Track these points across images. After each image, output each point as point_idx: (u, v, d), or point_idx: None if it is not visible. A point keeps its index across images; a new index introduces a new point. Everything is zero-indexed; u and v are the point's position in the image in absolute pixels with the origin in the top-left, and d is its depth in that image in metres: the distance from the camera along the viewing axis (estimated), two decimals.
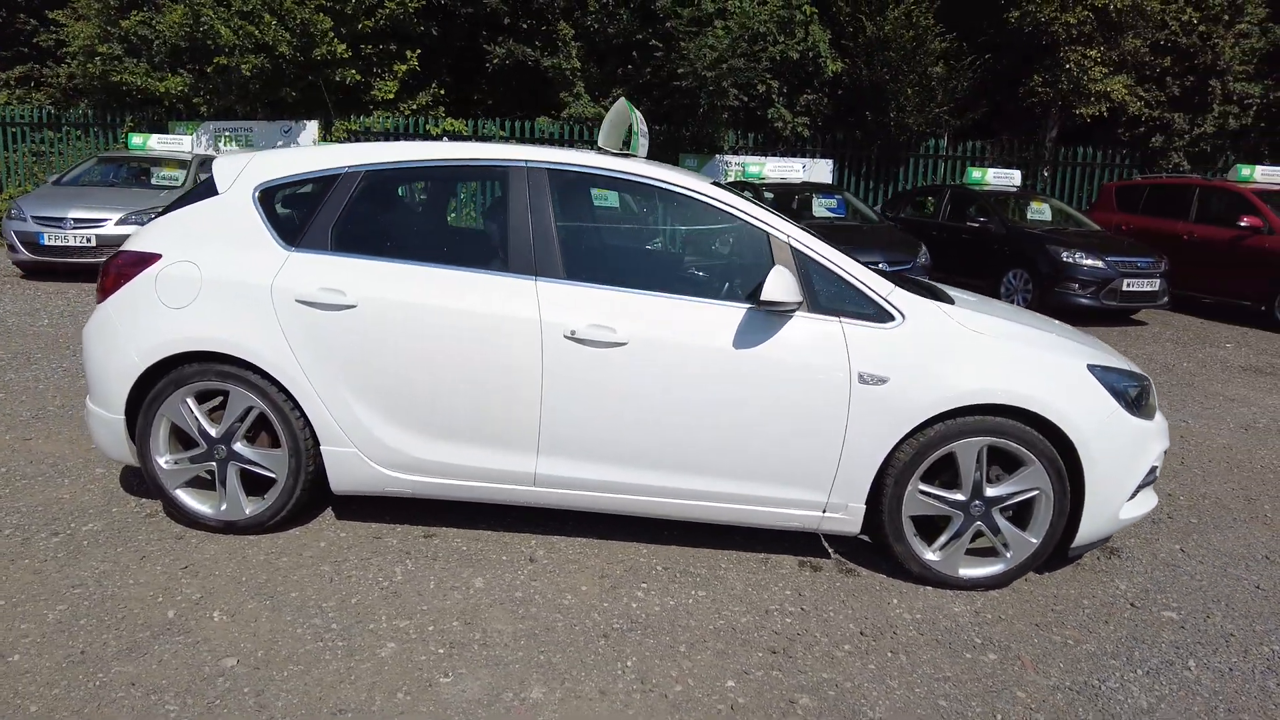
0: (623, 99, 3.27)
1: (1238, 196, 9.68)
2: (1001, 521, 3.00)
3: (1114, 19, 12.16)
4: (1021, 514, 3.04)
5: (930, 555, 3.04)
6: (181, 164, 10.10)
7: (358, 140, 13.17)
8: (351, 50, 12.59)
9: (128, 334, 2.98)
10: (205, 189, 3.14)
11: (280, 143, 13.24)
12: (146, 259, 3.02)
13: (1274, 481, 4.45)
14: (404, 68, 13.39)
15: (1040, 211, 10.23)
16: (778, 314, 2.88)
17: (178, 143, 10.88)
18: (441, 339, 2.91)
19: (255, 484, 3.09)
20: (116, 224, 8.64)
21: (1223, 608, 3.04)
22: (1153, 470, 3.13)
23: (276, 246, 2.99)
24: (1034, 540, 3.01)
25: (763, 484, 2.97)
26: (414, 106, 13.88)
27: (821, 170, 13.27)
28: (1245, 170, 10.13)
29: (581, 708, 2.23)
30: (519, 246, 2.96)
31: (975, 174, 10.98)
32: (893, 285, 3.01)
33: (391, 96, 13.44)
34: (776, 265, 2.83)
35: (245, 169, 3.10)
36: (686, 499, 3.01)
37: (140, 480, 3.54)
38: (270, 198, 3.06)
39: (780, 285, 2.77)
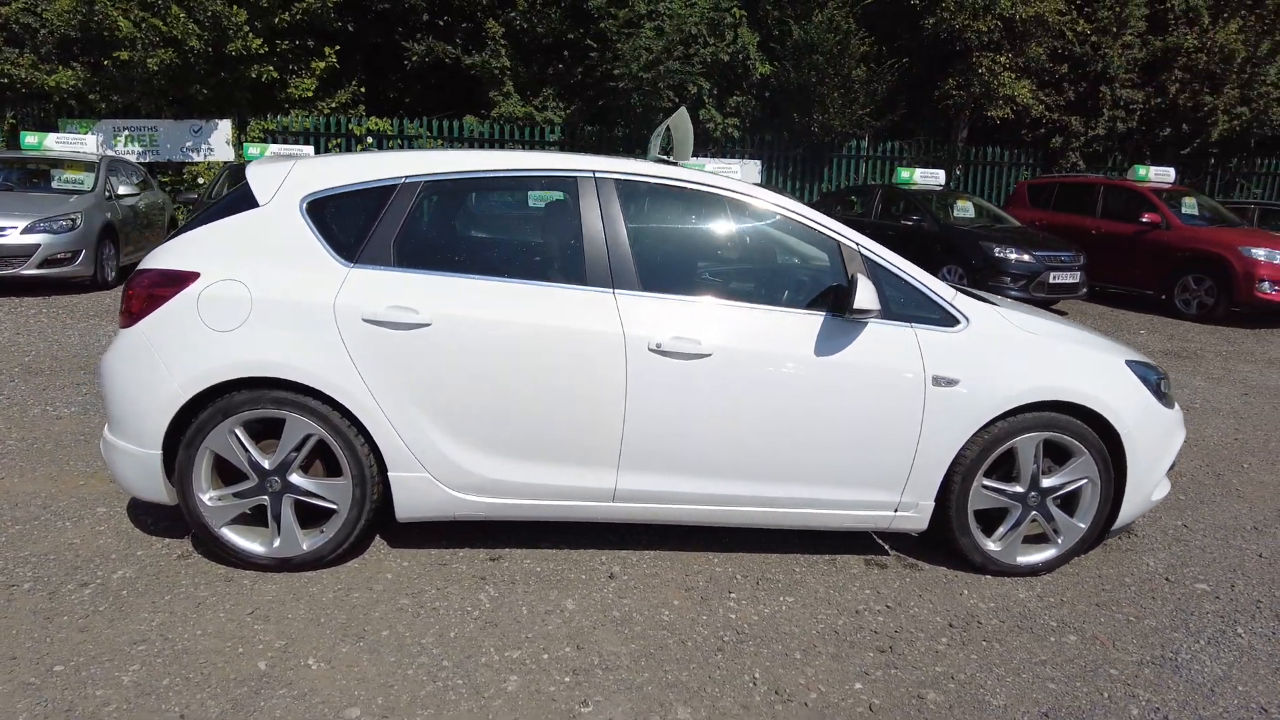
0: (683, 108, 3.24)
1: (1138, 195, 10.54)
2: (1054, 510, 3.17)
3: (1019, 28, 12.97)
4: (1069, 502, 3.22)
5: (992, 546, 3.17)
6: (88, 166, 9.26)
7: (274, 140, 12.48)
8: (267, 46, 11.92)
9: (167, 361, 2.72)
10: (239, 200, 2.90)
11: (189, 144, 12.39)
12: (182, 278, 2.77)
13: (1230, 456, 4.88)
14: (322, 65, 12.79)
15: (965, 209, 10.80)
16: (857, 321, 2.94)
17: (79, 142, 9.98)
18: (520, 355, 2.81)
19: (305, 516, 2.90)
20: (22, 233, 7.86)
21: (1242, 577, 3.32)
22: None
23: (333, 262, 2.80)
24: (1082, 526, 3.19)
25: (841, 488, 3.03)
26: (333, 105, 13.29)
27: (751, 171, 13.54)
28: (1142, 170, 11.04)
29: None
30: (595, 258, 2.89)
31: (904, 174, 11.48)
32: (955, 290, 3.12)
33: (310, 94, 12.81)
34: (860, 275, 2.89)
35: (288, 179, 2.89)
36: (766, 507, 3.03)
37: (156, 518, 3.26)
38: (320, 210, 2.86)
39: (869, 294, 2.82)
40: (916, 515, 3.11)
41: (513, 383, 2.81)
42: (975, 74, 13.35)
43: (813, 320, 2.95)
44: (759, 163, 13.99)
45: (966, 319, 3.05)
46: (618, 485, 2.94)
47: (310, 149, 11.58)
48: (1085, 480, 3.15)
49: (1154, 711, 2.39)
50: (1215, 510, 4.05)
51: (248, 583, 2.82)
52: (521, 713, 2.21)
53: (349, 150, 12.94)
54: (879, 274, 3.02)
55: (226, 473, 2.87)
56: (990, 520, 3.20)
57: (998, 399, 2.99)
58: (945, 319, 3.03)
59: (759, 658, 2.54)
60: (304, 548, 2.89)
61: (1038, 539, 3.26)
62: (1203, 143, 14.66)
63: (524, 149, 13.15)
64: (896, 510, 3.09)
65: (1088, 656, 2.67)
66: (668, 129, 3.21)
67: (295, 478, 2.84)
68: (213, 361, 2.71)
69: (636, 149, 13.57)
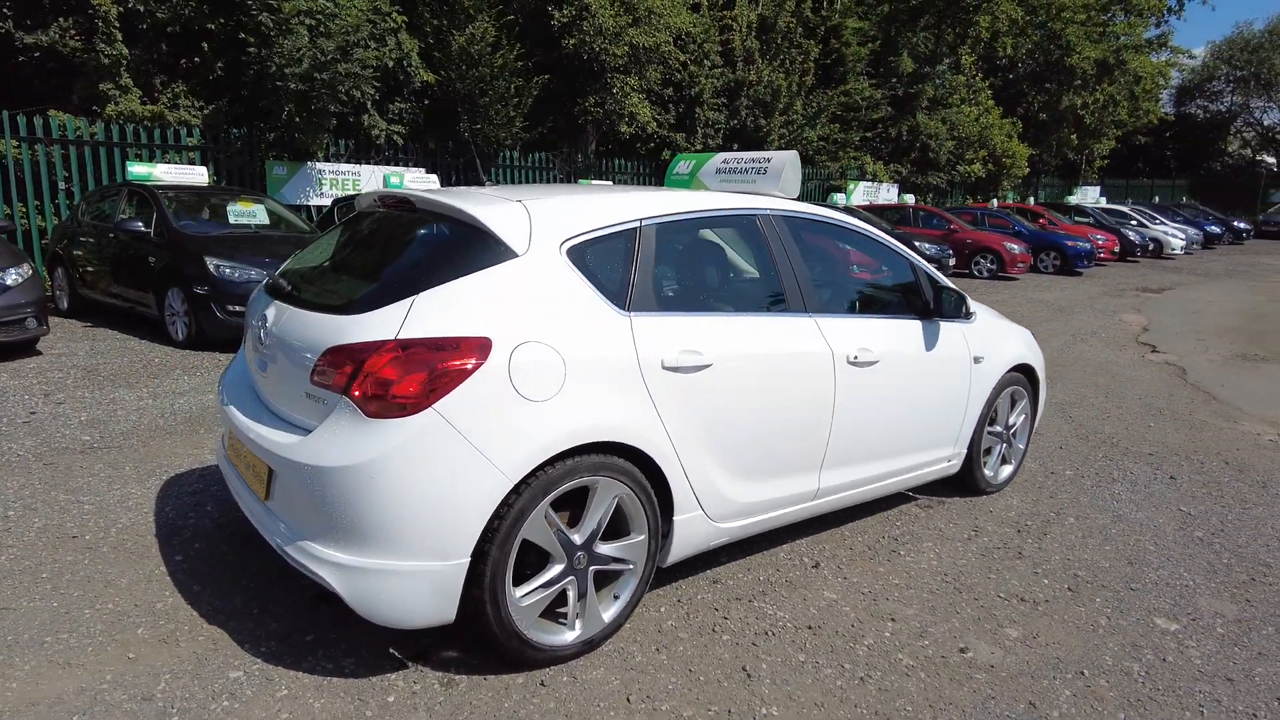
0: (793, 153, 3.63)
1: None
2: (1012, 439, 4.49)
3: (641, 55, 14.99)
4: (1015, 432, 4.57)
5: (988, 473, 4.36)
6: None
7: None
8: None
9: (484, 446, 2.29)
10: (483, 249, 2.50)
11: None
12: (474, 346, 2.34)
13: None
14: None
15: (251, 214, 8.81)
16: (936, 323, 3.78)
17: None
18: (771, 381, 3.02)
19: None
20: None
21: (1192, 511, 5.08)
22: None
23: (613, 311, 2.64)
24: (1023, 446, 4.58)
25: (929, 450, 3.87)
26: None
27: (432, 183, 13.24)
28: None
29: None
30: (791, 288, 3.22)
31: (394, 180, 9.41)
32: (964, 292, 4.18)
33: None
34: (942, 287, 3.73)
35: (535, 223, 2.59)
36: (893, 478, 3.72)
37: (259, 646, 2.59)
38: (581, 256, 2.64)
39: (952, 303, 3.70)
40: (957, 462, 4.12)
41: (767, 409, 3.02)
42: (610, 93, 15.03)
43: (916, 325, 3.72)
44: (420, 171, 13.75)
45: (974, 314, 4.13)
46: (820, 485, 3.34)
47: None
48: (1025, 415, 4.53)
49: (1039, 563, 3.79)
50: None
51: (565, 684, 2.53)
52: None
53: None
54: (937, 284, 3.91)
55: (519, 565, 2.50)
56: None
57: (999, 366, 4.15)
58: (968, 314, 4.06)
59: (1005, 602, 3.28)
60: (605, 620, 2.68)
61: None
62: None
63: (158, 153, 10.79)
64: (949, 460, 4.06)
65: (1030, 518, 4.00)
66: (788, 168, 3.59)
67: (601, 547, 2.63)
68: (540, 438, 2.37)
69: (287, 155, 12.17)
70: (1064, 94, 28.32)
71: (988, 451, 4.34)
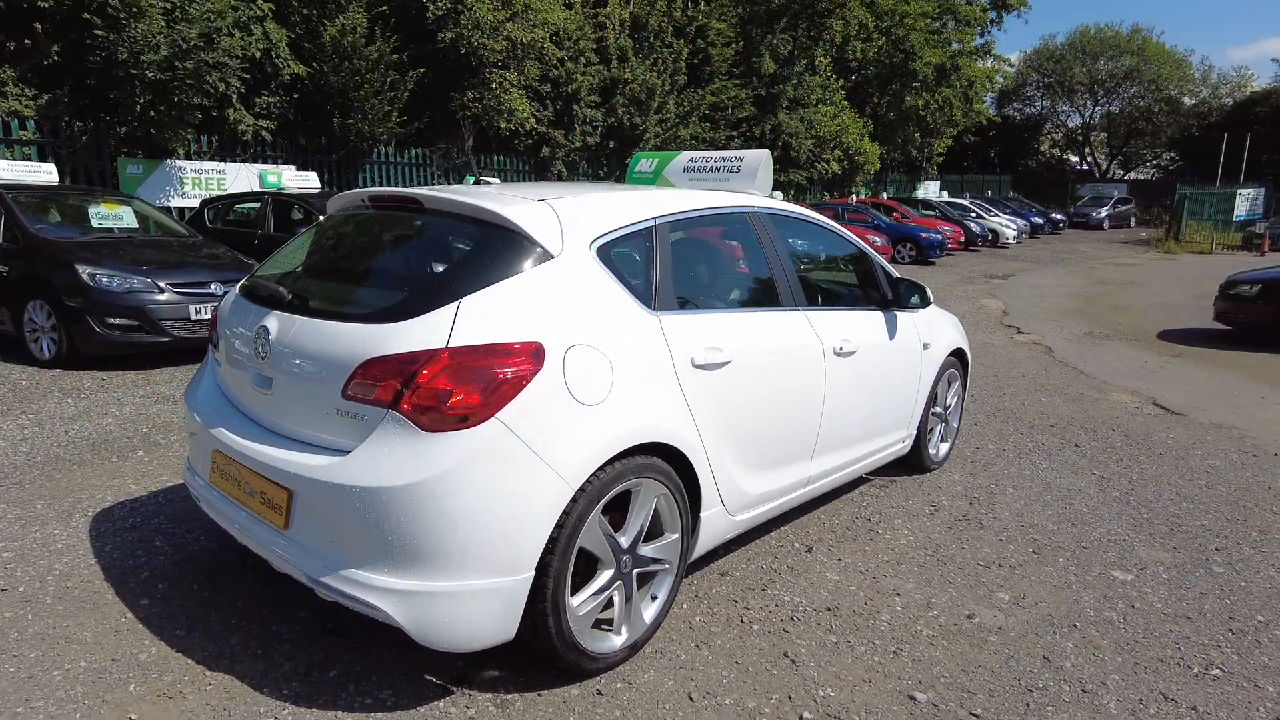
0: (766, 152, 3.70)
1: None
2: (949, 417, 4.83)
3: (520, 51, 14.76)
4: (948, 409, 4.92)
5: (932, 450, 4.68)
6: None
7: None
8: None
9: (546, 454, 2.21)
10: (521, 251, 2.40)
11: None
12: (531, 351, 2.25)
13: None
14: None
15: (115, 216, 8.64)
16: (894, 314, 4.01)
17: None
18: (777, 375, 3.11)
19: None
20: None
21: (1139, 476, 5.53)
22: None
23: (643, 311, 2.61)
24: (956, 425, 4.94)
25: (891, 433, 4.11)
26: None
27: (310, 180, 12.41)
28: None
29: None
30: (783, 283, 3.31)
31: (272, 179, 9.73)
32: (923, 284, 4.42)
33: None
34: (901, 280, 3.96)
35: (564, 223, 2.52)
36: (862, 461, 3.92)
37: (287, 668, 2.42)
38: (607, 255, 2.60)
39: (911, 294, 3.94)
40: (909, 442, 4.39)
41: (774, 401, 3.10)
42: (488, 88, 14.71)
43: (879, 316, 3.92)
44: (291, 168, 12.89)
45: (929, 303, 4.40)
46: (811, 471, 3.47)
47: None
48: (958, 396, 4.89)
49: (965, 516, 4.21)
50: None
51: (625, 698, 2.49)
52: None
53: None
54: (890, 276, 4.14)
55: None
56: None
57: (942, 352, 4.46)
58: (928, 303, 4.30)
59: (985, 568, 3.53)
60: (647, 622, 2.67)
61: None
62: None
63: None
64: (904, 442, 4.32)
65: (975, 491, 4.39)
66: (763, 168, 3.65)
67: (642, 549, 2.61)
68: (595, 443, 2.32)
69: (140, 151, 11.07)
70: (906, 95, 30.50)
71: (930, 431, 4.65)
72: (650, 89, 18.04)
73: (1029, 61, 48.84)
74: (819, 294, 3.77)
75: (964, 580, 3.31)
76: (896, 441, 4.22)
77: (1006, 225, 26.19)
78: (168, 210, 10.95)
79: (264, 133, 11.96)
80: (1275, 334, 9.32)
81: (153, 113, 10.26)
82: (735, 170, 3.75)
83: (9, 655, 2.57)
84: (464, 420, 2.14)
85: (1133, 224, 36.71)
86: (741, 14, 23.86)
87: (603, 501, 2.40)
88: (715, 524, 2.93)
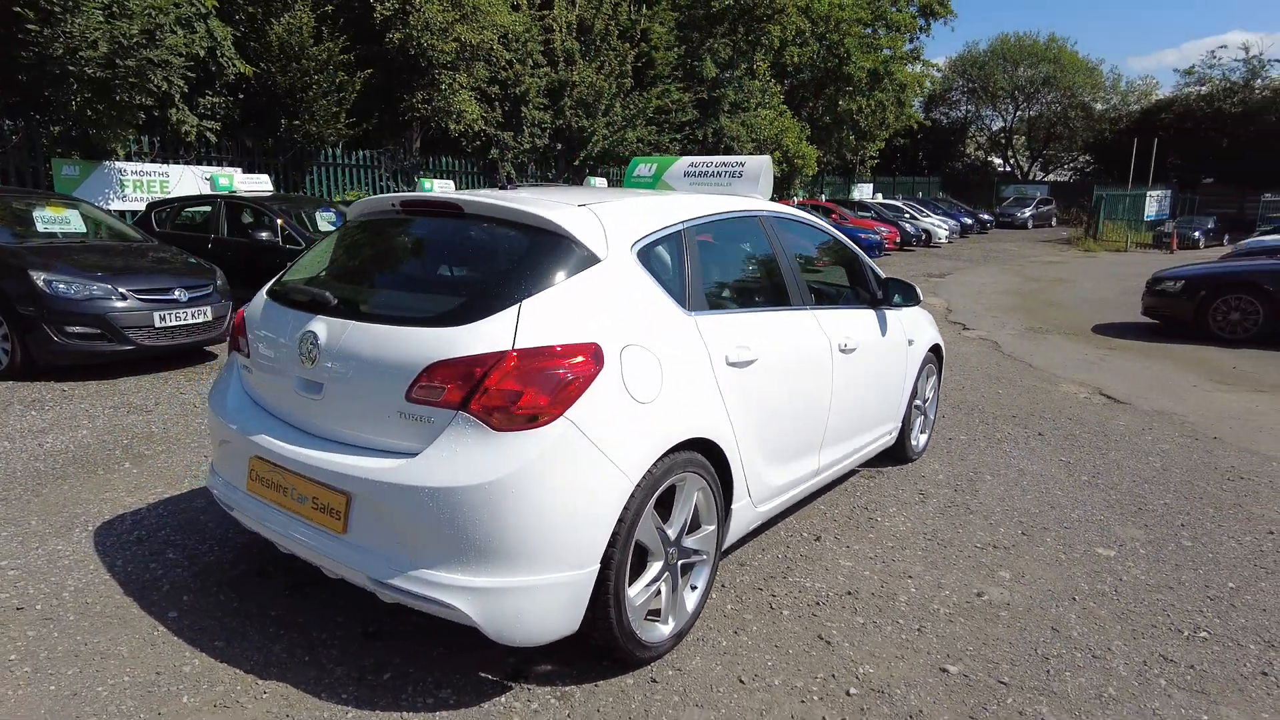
0: (767, 157, 3.83)
1: None
2: (926, 408, 5.08)
3: (469, 53, 14.65)
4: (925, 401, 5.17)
5: (914, 441, 4.91)
6: None
7: None
8: None
9: (610, 450, 2.29)
10: (570, 255, 2.48)
11: None
12: (592, 351, 2.33)
13: None
14: None
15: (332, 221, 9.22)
16: (884, 311, 4.21)
17: None
18: (795, 372, 3.25)
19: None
20: None
21: (1121, 457, 5.83)
22: None
23: (679, 311, 2.72)
24: (932, 416, 5.20)
25: (882, 426, 4.31)
26: None
27: (263, 183, 12.06)
28: (428, 183, 14.09)
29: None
30: (792, 283, 3.46)
31: (223, 181, 9.49)
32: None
33: None
34: (889, 279, 4.16)
35: (607, 227, 2.61)
36: (859, 453, 4.10)
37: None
38: (647, 258, 2.69)
39: (898, 292, 4.15)
40: (896, 434, 4.61)
41: (792, 397, 3.25)
42: (437, 90, 14.55)
43: (872, 314, 4.11)
44: (237, 170, 12.52)
45: (917, 302, 4.61)
46: (820, 463, 3.63)
47: None
48: (934, 389, 5.14)
49: (952, 502, 4.50)
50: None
51: (669, 675, 2.59)
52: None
53: None
54: (878, 276, 4.34)
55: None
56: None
57: (922, 348, 4.70)
58: (918, 301, 4.51)
59: (982, 550, 3.74)
60: (689, 611, 2.77)
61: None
62: (585, 156, 19.01)
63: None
64: (891, 434, 4.54)
65: (957, 479, 4.65)
66: (765, 172, 3.79)
67: (686, 540, 2.71)
68: (651, 439, 2.42)
69: (75, 151, 10.59)
70: (840, 99, 31.34)
71: (912, 423, 4.89)
72: (598, 92, 18.12)
73: (954, 67, 50.79)
74: (822, 294, 3.94)
75: (966, 562, 3.52)
76: (885, 434, 4.43)
77: (939, 226, 27.20)
78: (119, 215, 10.51)
79: (208, 134, 11.57)
80: (1197, 327, 10.00)
81: (90, 112, 9.82)
82: (737, 175, 3.89)
83: (45, 673, 2.50)
84: (533, 420, 2.21)
85: (1054, 224, 38.57)
86: (680, 17, 24.15)
87: (655, 495, 2.50)
88: (743, 516, 3.05)
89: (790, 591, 3.18)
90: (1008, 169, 54.03)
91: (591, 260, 2.53)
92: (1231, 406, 6.66)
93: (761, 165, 3.81)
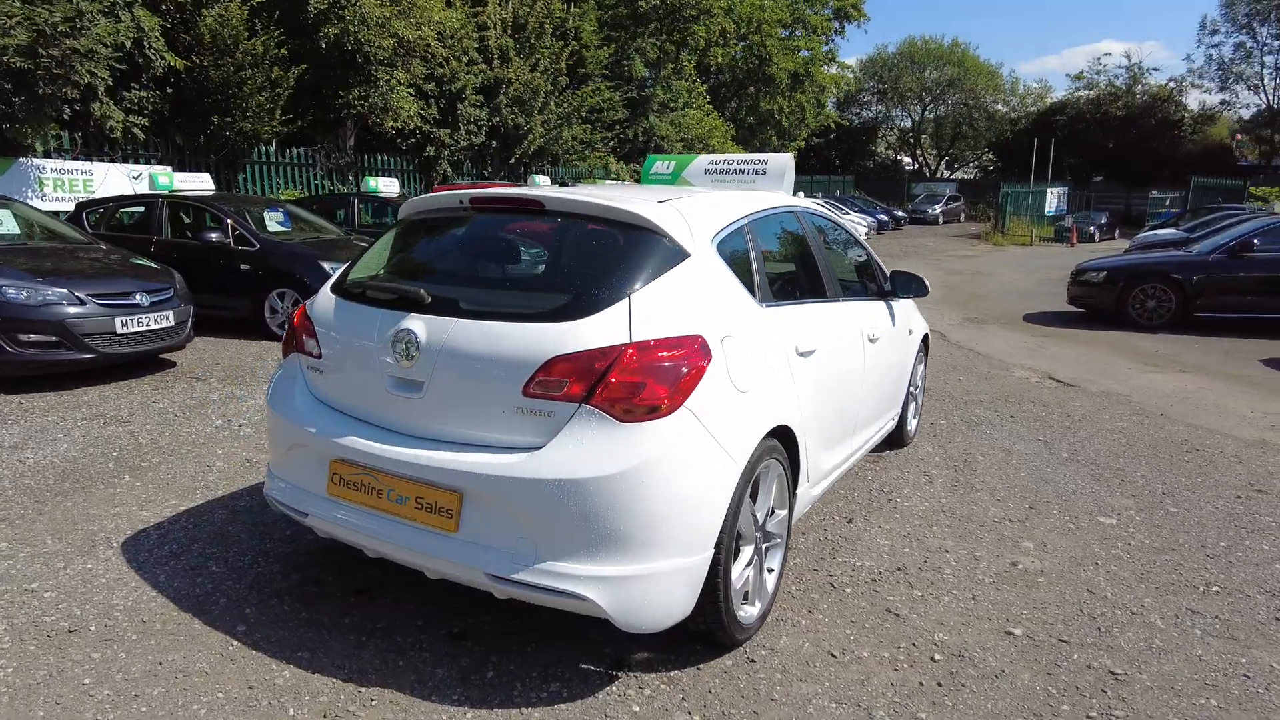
0: (790, 155, 3.95)
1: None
2: (916, 393, 5.35)
3: (406, 49, 14.32)
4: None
5: (910, 426, 5.17)
6: None
7: None
8: None
9: (721, 438, 2.37)
10: (663, 250, 2.53)
11: None
12: (700, 343, 2.40)
13: None
14: None
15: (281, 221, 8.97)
16: (891, 302, 4.42)
17: None
18: (841, 360, 3.41)
19: None
20: None
21: (1106, 436, 6.15)
22: None
23: (755, 304, 2.81)
24: (921, 402, 5.48)
25: (890, 411, 4.53)
26: None
27: (204, 182, 11.39)
28: (373, 182, 13.98)
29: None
30: (827, 276, 3.60)
31: (163, 180, 9.14)
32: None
33: None
34: (896, 272, 4.37)
35: (690, 221, 2.68)
36: (875, 437, 4.31)
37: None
38: (724, 252, 2.78)
39: (904, 284, 4.37)
40: (896, 420, 4.85)
41: (839, 384, 3.40)
42: (374, 86, 14.17)
43: (883, 305, 4.32)
44: (167, 169, 11.87)
45: (923, 293, 4.85)
46: (853, 446, 3.80)
47: None
48: (923, 377, 5.42)
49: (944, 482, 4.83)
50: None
51: (763, 654, 2.68)
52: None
53: None
54: (882, 269, 4.55)
55: None
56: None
57: (917, 337, 4.95)
58: (926, 291, 4.74)
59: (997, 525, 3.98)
60: (769, 591, 2.87)
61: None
62: (521, 154, 18.86)
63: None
64: (894, 419, 4.77)
65: (954, 460, 4.96)
66: (788, 170, 3.90)
67: (770, 525, 2.81)
68: (753, 424, 2.52)
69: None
70: (763, 99, 32.11)
71: (906, 408, 5.14)
72: (533, 89, 18.00)
73: (865, 69, 52.72)
74: (846, 287, 4.11)
75: (991, 535, 3.76)
76: (891, 419, 4.65)
77: (859, 222, 28.19)
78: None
79: (135, 130, 10.93)
80: (1119, 315, 10.78)
81: (6, 105, 9.14)
82: (761, 173, 4.01)
83: (129, 695, 2.39)
84: (654, 411, 2.27)
85: (963, 219, 40.56)
86: (604, 16, 24.25)
87: (752, 481, 2.59)
88: (802, 499, 3.18)
89: (844, 571, 3.33)
90: (916, 167, 56.47)
91: (682, 255, 2.59)
92: (1165, 386, 7.24)
93: (785, 163, 3.95)
